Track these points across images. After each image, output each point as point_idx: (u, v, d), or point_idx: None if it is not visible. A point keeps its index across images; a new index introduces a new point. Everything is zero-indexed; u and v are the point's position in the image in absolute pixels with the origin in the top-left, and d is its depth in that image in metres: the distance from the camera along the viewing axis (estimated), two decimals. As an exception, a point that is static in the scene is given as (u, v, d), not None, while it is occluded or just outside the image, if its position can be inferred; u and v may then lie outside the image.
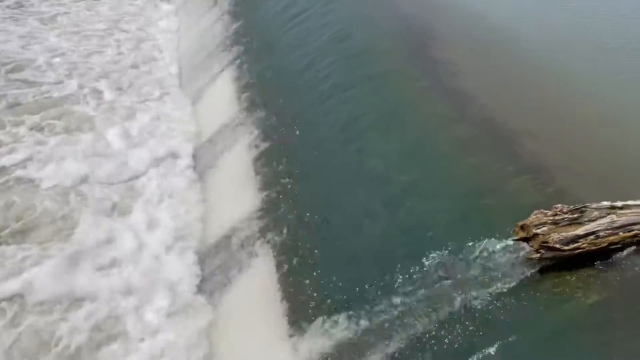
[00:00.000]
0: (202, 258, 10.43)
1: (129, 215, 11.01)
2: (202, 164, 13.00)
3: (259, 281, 9.23)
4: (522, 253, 6.97)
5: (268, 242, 9.57)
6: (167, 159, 12.84)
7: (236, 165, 11.94)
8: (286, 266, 8.97)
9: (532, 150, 8.77)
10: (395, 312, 7.25)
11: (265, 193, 10.54)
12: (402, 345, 7.00)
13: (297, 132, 11.37)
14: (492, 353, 6.29)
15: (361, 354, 7.19)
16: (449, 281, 7.17)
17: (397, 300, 7.33)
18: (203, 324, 9.00)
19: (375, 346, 7.16)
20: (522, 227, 6.75)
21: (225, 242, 10.33)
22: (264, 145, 11.61)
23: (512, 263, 6.94)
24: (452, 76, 11.15)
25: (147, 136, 13.62)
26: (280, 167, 10.86)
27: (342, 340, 7.42)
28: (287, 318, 8.25)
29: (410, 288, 7.39)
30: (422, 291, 7.24)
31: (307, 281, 8.45)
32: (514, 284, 6.74)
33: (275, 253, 9.30)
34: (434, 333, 6.80)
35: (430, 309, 7.06)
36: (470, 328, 6.67)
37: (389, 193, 9.03)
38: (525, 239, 6.76)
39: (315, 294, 8.17)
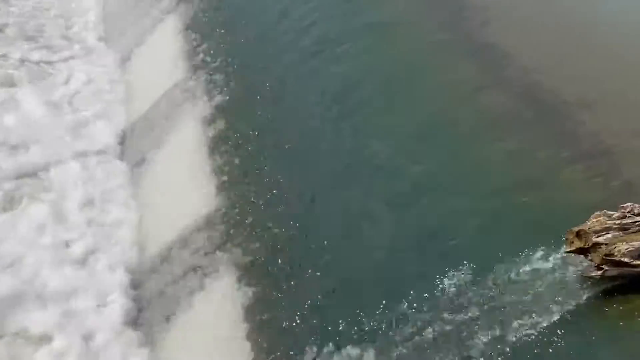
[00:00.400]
0: (136, 283, 10.32)
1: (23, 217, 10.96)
2: (134, 150, 12.77)
3: (215, 311, 9.13)
4: (577, 270, 6.97)
5: (228, 258, 9.45)
6: (82, 143, 12.64)
7: (183, 152, 11.73)
8: (253, 290, 8.88)
9: (593, 129, 8.79)
10: (404, 352, 7.21)
11: (224, 190, 10.42)
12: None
13: (270, 105, 11.25)
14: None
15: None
16: (475, 310, 7.13)
17: (406, 333, 7.31)
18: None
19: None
20: (578, 235, 6.75)
21: (168, 260, 10.26)
22: (223, 123, 11.37)
23: (564, 284, 6.93)
24: (482, 27, 11.17)
25: (55, 112, 13.33)
26: (246, 153, 10.74)
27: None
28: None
29: (423, 319, 7.33)
30: (439, 324, 7.17)
31: (283, 311, 8.36)
32: (566, 313, 6.72)
33: (238, 274, 9.19)
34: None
35: (450, 349, 6.98)
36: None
37: (395, 188, 9.00)
38: (582, 251, 6.77)
39: (294, 329, 8.09)
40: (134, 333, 9.60)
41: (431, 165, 9.03)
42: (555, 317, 6.78)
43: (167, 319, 9.59)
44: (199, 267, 9.82)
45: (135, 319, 9.86)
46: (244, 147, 10.93)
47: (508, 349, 6.74)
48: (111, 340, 9.41)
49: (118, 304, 9.93)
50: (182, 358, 9.09)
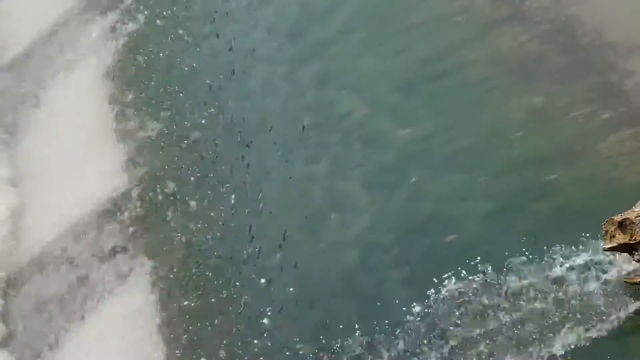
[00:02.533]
0: (8, 299, 10.37)
1: None
2: (6, 108, 12.87)
3: (120, 334, 9.17)
4: (618, 273, 7.06)
5: (138, 259, 9.53)
6: None
7: (77, 109, 11.97)
8: (173, 307, 8.95)
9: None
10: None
11: (135, 164, 10.64)
12: None
13: (200, 40, 11.55)
14: None
15: None
16: (481, 328, 7.21)
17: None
18: None
19: None
20: (622, 225, 6.75)
21: (55, 266, 10.31)
22: (129, 65, 11.82)
23: (601, 293, 7.00)
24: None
25: None
26: (166, 109, 11.01)
27: None
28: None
29: (408, 340, 7.45)
30: (431, 350, 7.27)
31: (210, 328, 8.49)
32: (602, 331, 6.77)
33: (151, 283, 9.28)
34: None
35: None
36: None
37: (375, 162, 9.13)
38: (627, 247, 6.78)
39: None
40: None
41: (424, 129, 9.14)
42: (589, 335, 6.82)
43: (54, 338, 9.63)
44: (101, 274, 9.88)
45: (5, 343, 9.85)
46: (164, 101, 11.21)
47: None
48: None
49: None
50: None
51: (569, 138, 8.56)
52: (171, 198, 9.98)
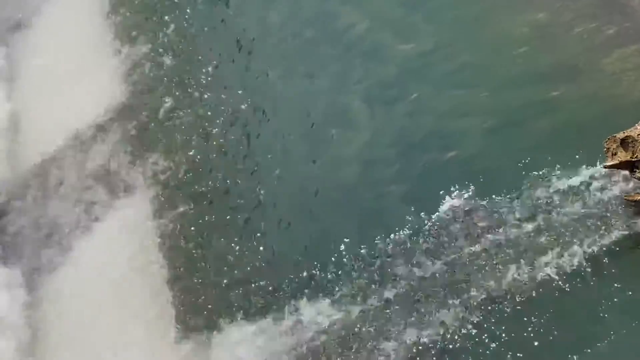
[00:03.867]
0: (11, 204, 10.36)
1: None
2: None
3: (124, 242, 9.22)
4: (618, 189, 7.09)
5: (142, 170, 9.57)
6: None
7: (78, 13, 11.73)
8: (174, 215, 8.98)
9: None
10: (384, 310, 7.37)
11: (140, 69, 10.54)
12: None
13: None
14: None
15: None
16: (485, 243, 7.29)
17: (385, 281, 7.47)
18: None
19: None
20: (624, 143, 6.77)
21: (56, 174, 10.29)
22: None
23: (599, 211, 7.03)
24: None
25: None
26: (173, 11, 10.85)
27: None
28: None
29: (406, 253, 7.55)
30: (436, 266, 7.35)
31: (212, 240, 8.55)
32: (601, 247, 6.83)
33: (156, 191, 9.31)
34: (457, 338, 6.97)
35: (444, 290, 7.17)
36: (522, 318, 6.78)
37: (376, 77, 9.07)
38: (628, 165, 6.82)
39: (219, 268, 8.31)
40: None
41: (426, 44, 9.04)
42: (585, 255, 6.89)
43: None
44: (101, 183, 9.91)
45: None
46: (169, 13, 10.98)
47: (532, 291, 6.92)
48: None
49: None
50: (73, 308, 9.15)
51: (572, 54, 8.45)
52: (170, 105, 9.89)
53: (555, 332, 6.55)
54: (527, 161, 7.59)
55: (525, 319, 6.73)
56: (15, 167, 11.03)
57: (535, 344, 6.56)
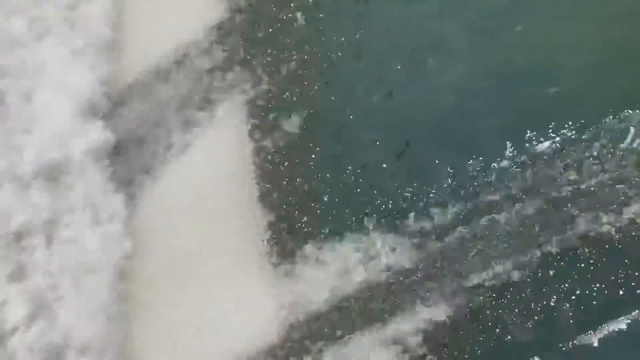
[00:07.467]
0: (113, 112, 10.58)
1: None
2: None
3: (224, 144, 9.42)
4: None
5: (241, 78, 9.35)
6: None
7: None
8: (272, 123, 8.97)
9: None
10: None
11: None
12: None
13: None
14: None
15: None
16: (576, 182, 7.35)
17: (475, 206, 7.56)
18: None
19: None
20: None
21: (158, 85, 10.10)
22: None
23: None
24: None
25: None
26: None
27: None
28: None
29: (500, 188, 7.58)
30: (526, 195, 7.40)
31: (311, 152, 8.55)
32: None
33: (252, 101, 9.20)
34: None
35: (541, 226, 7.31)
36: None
37: (477, 6, 8.74)
38: None
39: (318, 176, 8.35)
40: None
41: None
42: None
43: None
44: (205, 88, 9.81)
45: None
46: None
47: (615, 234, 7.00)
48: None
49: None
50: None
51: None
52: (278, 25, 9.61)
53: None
54: (629, 101, 7.46)
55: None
56: (120, 78, 11.04)
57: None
